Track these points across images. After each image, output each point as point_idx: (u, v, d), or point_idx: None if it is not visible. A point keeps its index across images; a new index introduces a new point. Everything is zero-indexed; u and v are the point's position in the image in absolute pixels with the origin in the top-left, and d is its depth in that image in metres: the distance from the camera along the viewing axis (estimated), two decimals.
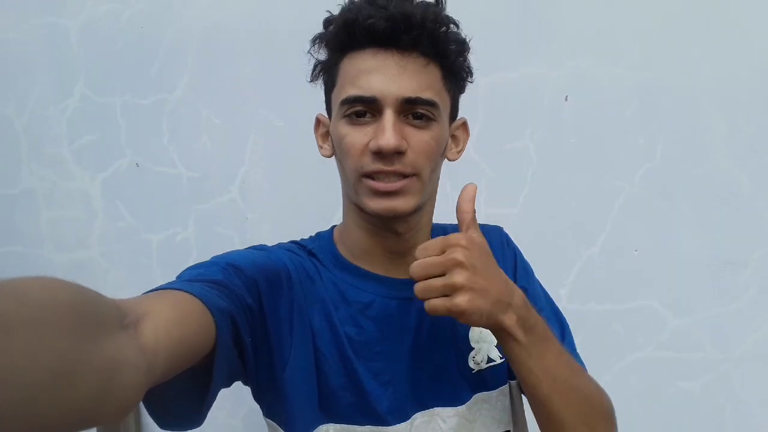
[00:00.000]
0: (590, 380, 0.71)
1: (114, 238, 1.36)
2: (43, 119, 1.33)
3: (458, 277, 0.57)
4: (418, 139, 0.66)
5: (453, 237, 0.60)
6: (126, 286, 1.36)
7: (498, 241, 0.84)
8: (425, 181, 0.68)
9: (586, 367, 0.78)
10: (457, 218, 0.65)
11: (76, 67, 1.31)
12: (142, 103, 1.32)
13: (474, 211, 0.65)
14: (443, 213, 0.82)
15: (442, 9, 0.68)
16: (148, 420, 1.37)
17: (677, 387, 1.31)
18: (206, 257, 1.34)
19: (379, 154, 0.64)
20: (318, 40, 0.71)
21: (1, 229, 1.40)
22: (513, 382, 0.78)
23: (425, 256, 0.59)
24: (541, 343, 0.64)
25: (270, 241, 1.35)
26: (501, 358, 0.77)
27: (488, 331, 0.74)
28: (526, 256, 1.28)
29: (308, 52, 0.72)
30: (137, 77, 1.30)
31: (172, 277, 1.35)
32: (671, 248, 1.28)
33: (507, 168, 1.29)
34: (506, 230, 1.29)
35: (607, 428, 0.69)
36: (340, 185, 1.32)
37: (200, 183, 1.34)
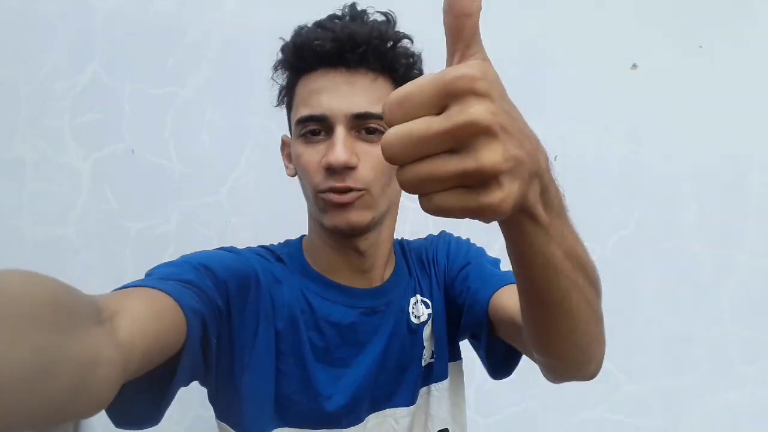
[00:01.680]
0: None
1: (93, 220, 1.35)
2: (50, 91, 1.34)
3: (489, 155, 0.34)
4: (370, 152, 0.67)
5: (454, 73, 0.34)
6: (93, 268, 1.34)
7: (444, 245, 0.85)
8: (376, 195, 0.69)
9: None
10: (449, 31, 0.37)
11: (95, 47, 1.34)
12: (152, 93, 1.35)
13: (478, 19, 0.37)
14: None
15: (391, 27, 0.70)
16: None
17: None
18: (182, 253, 1.34)
19: (330, 170, 0.66)
20: (278, 65, 0.75)
21: None
22: (447, 380, 0.81)
23: (407, 115, 0.35)
24: (561, 220, 0.47)
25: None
26: (439, 354, 0.80)
27: (429, 329, 0.79)
28: None
29: (272, 78, 0.76)
30: (152, 67, 1.34)
31: (144, 267, 1.34)
32: (632, 315, 1.34)
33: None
34: None
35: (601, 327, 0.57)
36: None
37: (191, 180, 1.35)
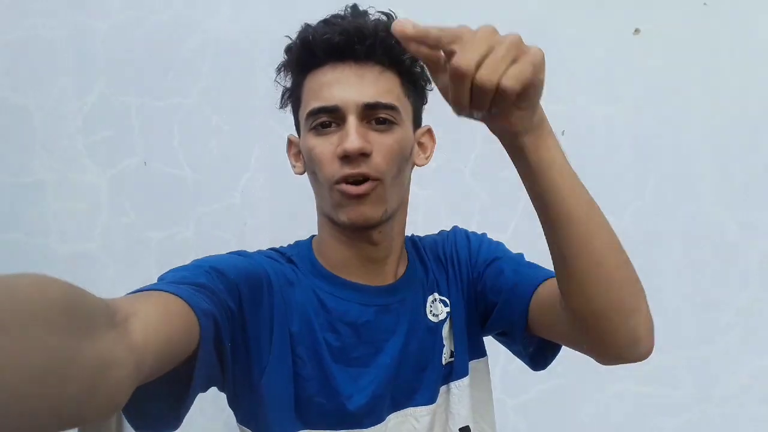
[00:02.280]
0: None
1: (116, 234, 1.40)
2: (61, 113, 1.39)
3: (514, 38, 0.48)
4: (381, 142, 0.68)
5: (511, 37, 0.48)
6: (123, 282, 1.39)
7: (462, 242, 0.85)
8: (388, 186, 0.70)
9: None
10: (436, 42, 0.49)
11: (99, 67, 1.37)
12: (157, 105, 1.37)
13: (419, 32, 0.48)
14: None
15: (393, 20, 0.69)
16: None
17: (655, 423, 1.32)
18: None
19: (346, 158, 0.67)
20: (282, 67, 0.75)
21: (7, 217, 1.44)
22: (468, 377, 0.80)
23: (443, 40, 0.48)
24: (558, 150, 0.59)
25: (267, 247, 1.39)
26: (460, 352, 0.79)
27: (448, 327, 0.79)
28: None
29: (275, 80, 0.76)
30: (154, 81, 1.37)
31: None
32: (655, 286, 1.31)
33: (501, 195, 1.34)
34: None
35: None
36: None
37: (204, 186, 1.38)
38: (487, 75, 0.46)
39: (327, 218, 0.74)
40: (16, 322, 0.30)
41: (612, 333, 0.62)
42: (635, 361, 0.65)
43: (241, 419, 0.73)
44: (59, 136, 1.40)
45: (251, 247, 1.31)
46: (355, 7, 0.72)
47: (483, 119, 0.53)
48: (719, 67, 1.28)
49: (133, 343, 0.41)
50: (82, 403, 0.34)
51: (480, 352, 0.84)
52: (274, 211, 1.39)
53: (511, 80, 0.47)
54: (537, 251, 1.31)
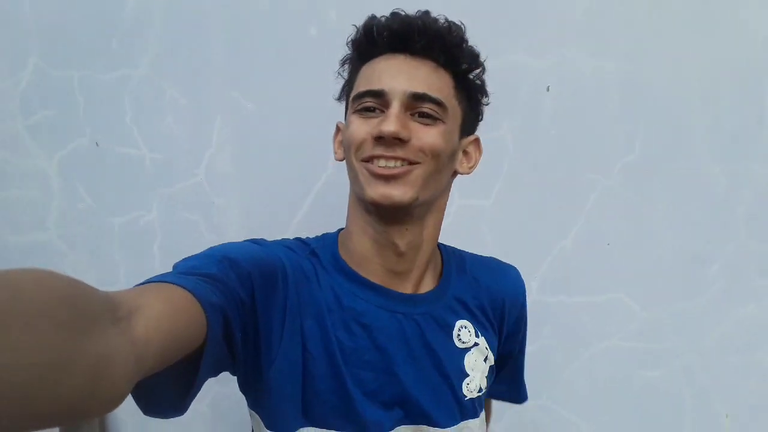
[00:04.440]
0: None
1: (73, 221, 1.30)
2: None
3: None
4: (423, 132, 0.68)
5: None
6: (86, 270, 1.31)
7: (522, 296, 0.91)
8: (424, 174, 0.68)
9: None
10: None
11: (30, 38, 1.22)
12: (103, 79, 1.24)
13: None
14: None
15: (459, 27, 0.72)
16: (112, 420, 1.34)
17: (640, 376, 1.34)
18: (171, 243, 1.30)
19: (381, 140, 0.66)
20: (345, 60, 0.76)
21: None
22: (482, 413, 0.81)
23: None
24: None
25: (238, 227, 1.32)
26: (486, 389, 0.80)
27: (483, 361, 0.78)
28: (499, 248, 1.27)
29: (337, 72, 0.78)
30: (96, 51, 1.22)
31: (134, 261, 1.30)
32: (643, 242, 1.29)
33: (483, 159, 1.26)
34: (479, 221, 1.28)
35: None
36: (311, 171, 1.29)
37: (164, 165, 1.28)
38: None
39: (357, 202, 0.72)
40: (18, 318, 0.30)
41: None
42: None
43: (252, 405, 0.73)
44: None
45: (222, 228, 1.24)
46: (426, 12, 0.71)
47: None
48: (711, 17, 1.19)
49: (135, 338, 0.41)
50: (84, 397, 0.35)
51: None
52: (242, 187, 1.29)
53: None
54: (519, 219, 1.27)
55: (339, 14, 1.21)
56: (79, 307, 0.36)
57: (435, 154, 0.68)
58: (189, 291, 0.52)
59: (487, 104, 0.79)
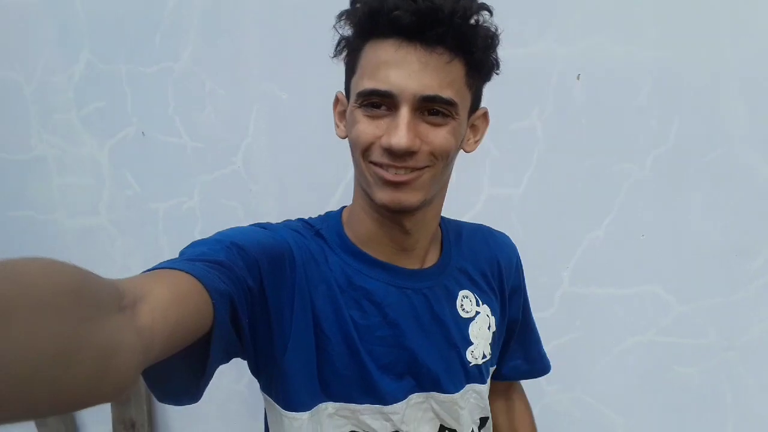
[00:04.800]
0: None
1: (122, 206, 1.39)
2: (51, 85, 1.34)
3: None
4: (434, 135, 0.65)
5: None
6: (133, 254, 1.39)
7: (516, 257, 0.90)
8: (437, 175, 0.67)
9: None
10: None
11: (82, 34, 1.31)
12: (147, 72, 1.31)
13: None
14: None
15: (471, 4, 0.64)
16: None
17: (675, 372, 1.30)
18: (211, 228, 1.35)
19: (390, 152, 0.63)
20: (344, 16, 0.68)
21: (14, 194, 1.43)
22: (489, 380, 0.83)
23: None
24: None
25: (275, 213, 1.36)
26: (491, 355, 0.81)
27: (486, 329, 0.80)
28: (529, 238, 1.27)
29: (333, 27, 0.69)
30: (141, 45, 1.30)
31: (178, 246, 1.37)
32: (680, 235, 1.25)
33: (512, 148, 1.26)
34: (509, 210, 1.28)
35: None
36: (343, 159, 1.31)
37: (204, 153, 1.34)
38: None
39: (363, 191, 0.72)
40: (24, 307, 0.30)
41: None
42: None
43: (264, 387, 0.74)
44: (53, 110, 1.36)
45: (259, 213, 1.29)
46: None
47: None
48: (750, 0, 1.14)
49: (141, 326, 0.41)
50: (90, 386, 0.35)
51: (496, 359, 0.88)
52: (277, 174, 1.34)
53: None
54: (550, 209, 1.25)
55: None
56: (85, 296, 0.36)
57: (446, 154, 0.66)
58: (196, 278, 0.51)
59: (498, 74, 0.72)
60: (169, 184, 1.36)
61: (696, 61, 1.16)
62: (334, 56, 0.71)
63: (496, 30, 0.67)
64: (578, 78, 1.21)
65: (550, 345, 1.36)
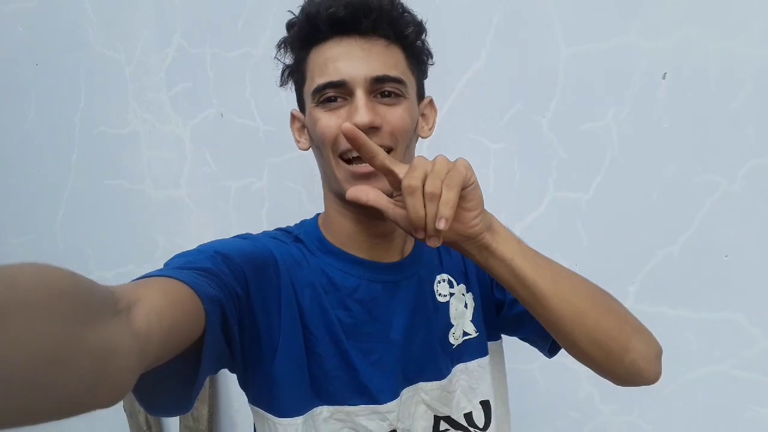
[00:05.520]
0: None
1: (199, 181, 1.48)
2: (146, 66, 1.45)
3: (442, 158, 0.59)
4: (391, 114, 0.68)
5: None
6: (207, 227, 1.48)
7: None
8: (400, 156, 0.69)
9: None
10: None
11: (175, 18, 1.40)
12: (229, 56, 1.38)
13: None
14: None
15: None
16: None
17: (753, 412, 1.16)
18: (277, 209, 1.42)
19: None
20: (283, 44, 0.75)
21: (112, 165, 1.58)
22: (488, 357, 0.82)
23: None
24: (514, 239, 0.64)
25: None
26: (476, 332, 0.80)
27: (463, 307, 0.81)
28: (594, 246, 1.18)
29: (275, 57, 0.77)
30: (225, 30, 1.37)
31: (246, 224, 1.44)
32: None
33: (582, 149, 1.18)
34: (574, 216, 1.20)
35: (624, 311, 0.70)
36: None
37: (275, 137, 1.39)
38: (431, 184, 0.54)
39: (334, 194, 0.74)
40: (18, 311, 0.30)
41: (610, 371, 0.69)
42: (645, 385, 0.72)
43: (253, 400, 0.75)
44: (147, 89, 1.47)
45: (321, 199, 1.32)
46: None
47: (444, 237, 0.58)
48: None
49: (136, 330, 0.41)
50: (87, 390, 0.35)
51: (495, 336, 0.85)
52: None
53: (452, 181, 0.54)
54: (623, 215, 1.16)
55: None
56: (80, 300, 0.35)
57: (405, 134, 0.70)
58: (187, 284, 0.52)
59: (432, 65, 0.77)
60: (241, 164, 1.43)
61: None
62: (282, 84, 0.79)
63: (422, 20, 0.73)
64: (664, 77, 1.10)
65: None
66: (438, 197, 0.54)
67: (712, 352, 1.17)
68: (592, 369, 0.69)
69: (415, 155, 0.71)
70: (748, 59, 1.06)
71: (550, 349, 0.83)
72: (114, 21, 1.44)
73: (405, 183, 0.55)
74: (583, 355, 0.67)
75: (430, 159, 0.58)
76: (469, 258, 0.64)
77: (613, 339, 0.65)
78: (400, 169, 0.58)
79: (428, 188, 0.54)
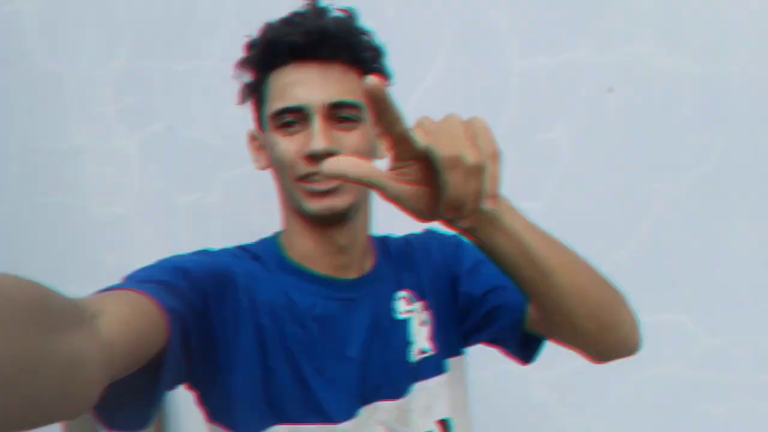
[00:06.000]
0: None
1: (148, 198, 1.43)
2: (91, 79, 1.40)
3: (454, 117, 0.51)
4: (349, 139, 0.69)
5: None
6: (155, 245, 1.43)
7: (437, 242, 0.86)
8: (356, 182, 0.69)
9: None
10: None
11: (122, 31, 1.36)
12: (178, 69, 1.35)
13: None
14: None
15: (355, 20, 0.73)
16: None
17: (701, 409, 1.21)
18: (229, 224, 1.38)
19: (312, 159, 0.67)
20: (242, 63, 0.75)
21: (53, 181, 1.51)
22: (447, 374, 0.81)
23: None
24: (518, 212, 0.57)
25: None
26: (434, 350, 0.80)
27: (418, 324, 0.80)
28: None
29: (232, 77, 0.77)
30: (173, 42, 1.33)
31: (196, 240, 1.39)
32: (715, 263, 1.16)
33: (533, 160, 1.21)
34: None
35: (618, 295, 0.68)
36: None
37: (227, 151, 1.36)
38: (474, 154, 0.46)
39: (293, 211, 0.74)
40: None
41: (599, 345, 0.67)
42: (628, 356, 0.70)
43: (212, 417, 0.74)
44: (92, 102, 1.42)
45: (276, 215, 1.30)
46: (315, 4, 0.73)
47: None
48: None
49: (102, 340, 0.41)
50: (55, 400, 0.34)
51: (457, 351, 0.84)
52: None
53: (491, 147, 0.47)
54: (574, 223, 1.19)
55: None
56: (45, 311, 0.35)
57: (362, 158, 0.69)
58: (150, 296, 0.52)
59: (394, 85, 0.76)
60: (192, 179, 1.39)
61: (744, 75, 1.08)
62: (240, 103, 0.78)
63: (380, 45, 0.75)
64: (611, 91, 1.15)
65: (564, 366, 1.31)
66: (482, 171, 0.46)
67: (659, 352, 1.22)
68: (576, 346, 0.68)
69: None
70: (690, 74, 1.11)
71: (522, 347, 0.80)
72: (55, 32, 1.37)
73: (445, 153, 0.46)
74: (575, 332, 0.64)
75: None
76: (465, 235, 0.55)
77: (611, 312, 0.64)
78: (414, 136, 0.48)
79: (472, 159, 0.46)
